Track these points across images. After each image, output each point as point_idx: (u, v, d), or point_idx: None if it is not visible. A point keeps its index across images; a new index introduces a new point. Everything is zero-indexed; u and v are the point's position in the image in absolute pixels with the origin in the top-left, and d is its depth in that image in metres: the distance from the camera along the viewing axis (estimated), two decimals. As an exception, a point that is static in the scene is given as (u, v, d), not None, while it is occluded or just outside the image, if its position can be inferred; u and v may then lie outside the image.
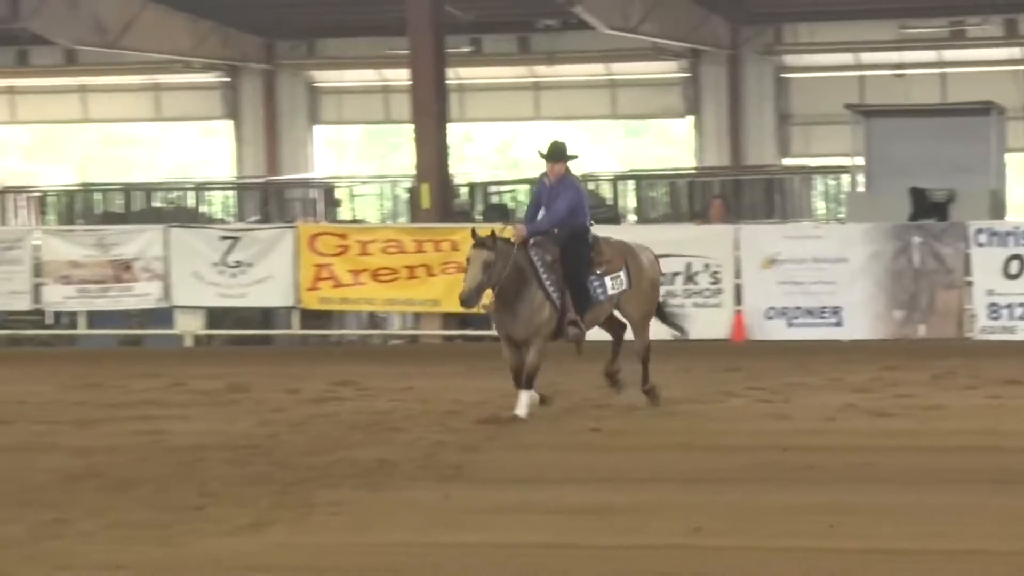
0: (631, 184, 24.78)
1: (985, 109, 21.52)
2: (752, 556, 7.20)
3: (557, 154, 10.70)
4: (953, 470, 9.55)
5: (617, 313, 11.70)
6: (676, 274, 17.61)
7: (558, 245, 10.60)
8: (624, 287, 11.18)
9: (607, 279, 10.96)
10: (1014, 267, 17.50)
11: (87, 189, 25.11)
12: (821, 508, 8.21)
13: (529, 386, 10.56)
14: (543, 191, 10.82)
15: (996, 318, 17.60)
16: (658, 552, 7.58)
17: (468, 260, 10.55)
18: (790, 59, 29.10)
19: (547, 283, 10.41)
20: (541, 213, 10.89)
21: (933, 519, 7.88)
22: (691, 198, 24.29)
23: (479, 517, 8.63)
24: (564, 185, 10.69)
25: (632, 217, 24.13)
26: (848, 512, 8.04)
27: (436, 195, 19.76)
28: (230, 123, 29.98)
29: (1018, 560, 6.75)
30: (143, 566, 7.34)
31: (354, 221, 23.74)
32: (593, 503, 8.87)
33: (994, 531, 7.40)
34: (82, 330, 19.68)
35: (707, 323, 17.30)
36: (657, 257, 12.36)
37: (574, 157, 11.23)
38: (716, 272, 18.00)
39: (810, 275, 17.84)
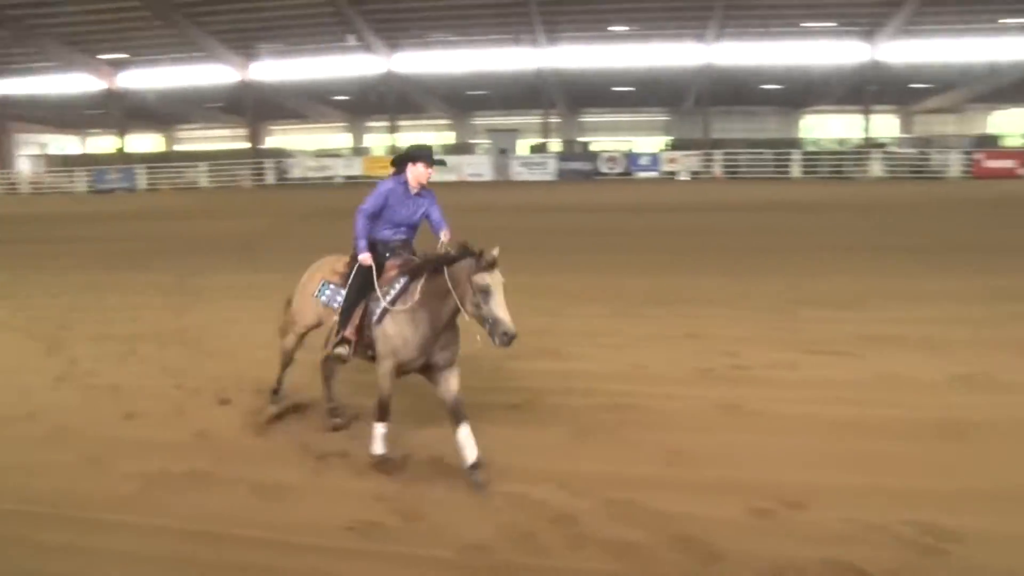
0: None
1: None
2: None
3: (436, 160, 6.66)
4: None
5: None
6: None
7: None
8: None
9: None
10: None
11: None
12: None
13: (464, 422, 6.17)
14: (399, 197, 6.56)
15: None
16: None
17: (489, 289, 5.85)
18: None
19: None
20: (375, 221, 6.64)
21: None
22: None
23: None
24: (431, 194, 6.69)
25: None
26: None
27: None
28: None
29: None
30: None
31: None
32: None
33: None
34: None
35: None
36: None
37: (443, 163, 7.05)
38: None
39: None
